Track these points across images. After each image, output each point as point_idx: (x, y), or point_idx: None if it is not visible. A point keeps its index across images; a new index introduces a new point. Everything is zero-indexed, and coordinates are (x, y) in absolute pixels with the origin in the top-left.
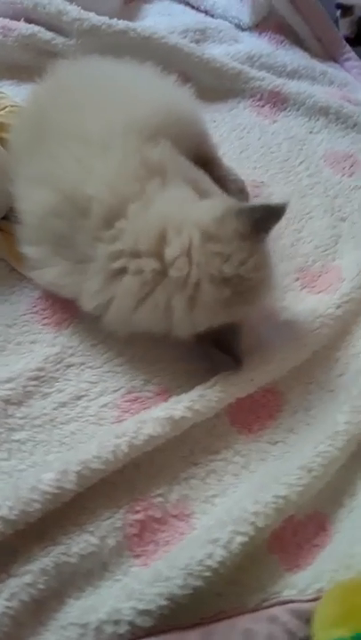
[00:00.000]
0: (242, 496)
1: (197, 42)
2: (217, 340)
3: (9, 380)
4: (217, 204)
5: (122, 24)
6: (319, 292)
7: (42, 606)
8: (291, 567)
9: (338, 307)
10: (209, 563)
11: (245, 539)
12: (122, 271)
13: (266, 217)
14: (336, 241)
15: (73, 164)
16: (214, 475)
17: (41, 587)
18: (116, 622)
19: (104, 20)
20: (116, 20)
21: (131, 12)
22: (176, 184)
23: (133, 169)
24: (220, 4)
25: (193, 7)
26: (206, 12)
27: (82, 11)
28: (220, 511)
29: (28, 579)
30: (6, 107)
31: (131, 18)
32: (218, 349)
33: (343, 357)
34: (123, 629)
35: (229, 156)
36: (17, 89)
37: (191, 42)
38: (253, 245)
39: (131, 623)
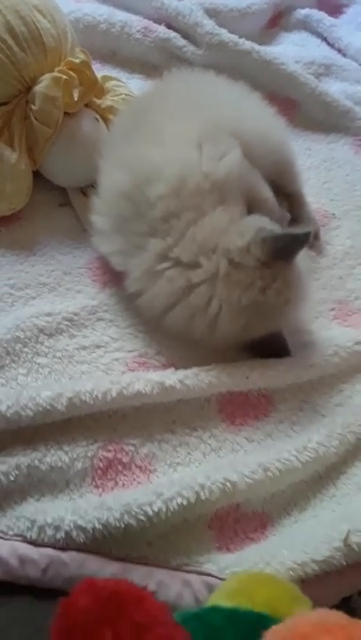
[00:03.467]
0: (200, 471)
1: (319, 75)
2: (254, 346)
3: (49, 315)
4: (247, 229)
5: (248, 44)
6: (348, 326)
7: (7, 495)
8: (221, 547)
9: (357, 343)
10: (146, 509)
11: (184, 502)
12: (160, 272)
13: (289, 245)
14: None
15: (151, 159)
16: (186, 447)
17: (11, 478)
18: (57, 528)
19: (233, 37)
20: (243, 40)
21: (270, 36)
22: (231, 203)
23: (197, 180)
24: (354, 45)
25: (329, 44)
26: (339, 51)
27: (216, 26)
28: (177, 476)
29: (3, 467)
30: (122, 94)
31: (267, 41)
32: (255, 354)
33: (347, 390)
34: (59, 536)
35: (312, 183)
36: (143, 83)
37: (313, 74)
38: (277, 272)
39: (67, 533)
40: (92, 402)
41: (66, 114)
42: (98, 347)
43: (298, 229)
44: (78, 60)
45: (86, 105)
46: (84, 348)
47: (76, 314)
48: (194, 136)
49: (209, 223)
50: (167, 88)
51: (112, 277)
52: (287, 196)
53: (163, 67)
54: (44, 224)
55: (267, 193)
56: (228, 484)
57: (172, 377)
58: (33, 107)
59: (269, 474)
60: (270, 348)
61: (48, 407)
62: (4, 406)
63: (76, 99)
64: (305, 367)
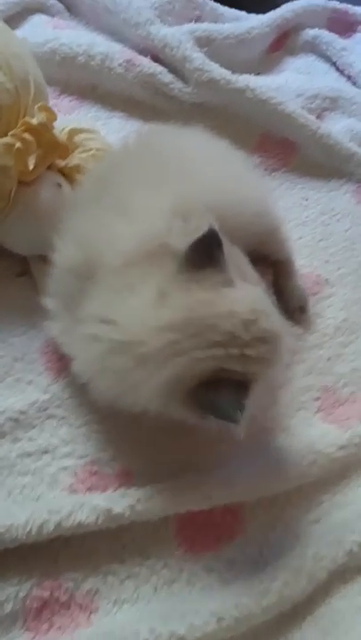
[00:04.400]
0: (145, 616)
1: (324, 110)
2: (207, 398)
3: None
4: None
5: (241, 82)
6: (332, 423)
7: None
8: None
9: (341, 448)
10: None
11: None
12: (90, 335)
13: (201, 249)
14: None
15: (104, 232)
16: (134, 579)
17: None
18: None
19: (225, 74)
20: (237, 76)
21: (271, 62)
22: None
23: (152, 249)
24: None
25: (338, 69)
26: (349, 78)
27: (206, 61)
28: (120, 620)
29: None
30: (92, 149)
31: (268, 68)
32: (210, 413)
33: (327, 504)
34: None
35: (306, 242)
36: (124, 123)
37: (317, 109)
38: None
39: None
40: (24, 537)
41: (21, 182)
42: (45, 452)
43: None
44: (37, 120)
45: (48, 167)
46: (29, 454)
47: (23, 412)
48: (163, 209)
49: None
50: (137, 152)
51: (66, 362)
52: (273, 264)
53: (147, 102)
54: None
55: (243, 267)
56: (172, 638)
57: (120, 502)
58: None
59: (223, 624)
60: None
61: None
62: None
63: (31, 166)
64: (278, 480)
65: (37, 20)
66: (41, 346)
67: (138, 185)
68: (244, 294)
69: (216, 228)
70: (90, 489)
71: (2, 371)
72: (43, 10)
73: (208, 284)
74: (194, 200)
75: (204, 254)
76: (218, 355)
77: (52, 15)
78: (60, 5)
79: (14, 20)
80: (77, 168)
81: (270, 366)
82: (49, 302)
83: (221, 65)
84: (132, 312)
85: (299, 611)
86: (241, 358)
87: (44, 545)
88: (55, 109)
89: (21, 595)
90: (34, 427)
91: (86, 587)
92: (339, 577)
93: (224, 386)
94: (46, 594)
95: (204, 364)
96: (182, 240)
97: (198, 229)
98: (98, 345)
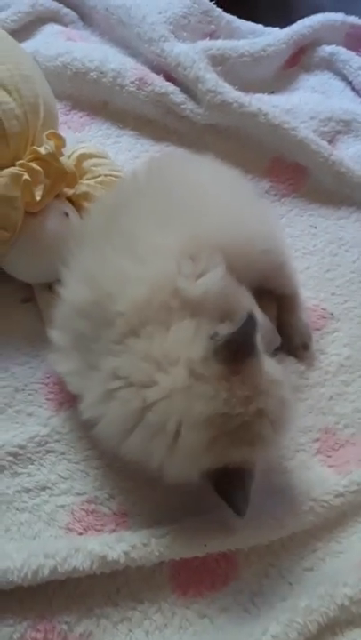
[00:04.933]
0: None
1: (338, 133)
2: (218, 483)
3: None
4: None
5: (254, 106)
6: (331, 467)
7: None
8: None
9: (338, 495)
10: None
11: None
12: (114, 394)
13: (242, 341)
14: None
15: (114, 273)
16: (127, 624)
17: None
18: None
19: (237, 97)
20: (250, 99)
21: (286, 78)
22: (204, 317)
23: (165, 298)
24: None
25: (353, 89)
26: None
27: (219, 82)
28: None
29: None
30: (100, 176)
31: (282, 85)
32: (218, 495)
33: (321, 551)
34: None
35: (312, 272)
36: (135, 142)
37: (330, 131)
38: (245, 377)
39: None
40: (19, 581)
41: (27, 212)
42: (43, 489)
43: (238, 321)
44: (45, 150)
45: (56, 196)
46: (27, 490)
47: (22, 447)
48: (172, 249)
49: (172, 336)
50: (146, 185)
51: (69, 395)
52: (277, 298)
53: (158, 121)
54: (2, 325)
55: (249, 306)
56: None
57: (115, 547)
58: None
59: None
60: (229, 492)
61: None
62: None
63: (39, 197)
64: (274, 528)
65: (50, 29)
66: (42, 376)
67: (146, 221)
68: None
69: (251, 310)
70: (86, 529)
71: (3, 402)
72: (56, 19)
73: (245, 375)
74: (202, 239)
75: (244, 346)
76: (246, 453)
77: (66, 25)
78: (73, 15)
79: (27, 29)
80: (85, 196)
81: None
82: (55, 335)
83: (235, 83)
84: (163, 392)
85: None
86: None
87: (39, 587)
88: (65, 126)
89: (16, 636)
90: (33, 462)
91: (80, 629)
92: (329, 629)
93: (235, 475)
94: (40, 635)
95: (232, 459)
96: (192, 283)
97: (207, 269)
98: (125, 406)
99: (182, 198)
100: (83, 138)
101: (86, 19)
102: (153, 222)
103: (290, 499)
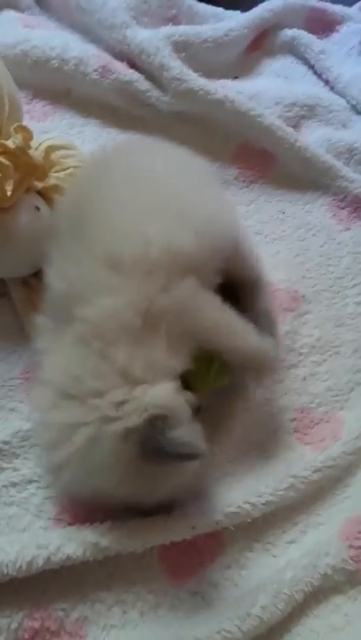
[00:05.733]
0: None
1: (302, 118)
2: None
3: None
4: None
5: (220, 94)
6: (308, 444)
7: None
8: None
9: (316, 471)
10: None
11: None
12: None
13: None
14: (352, 388)
15: (87, 278)
16: (121, 605)
17: None
18: None
19: (202, 85)
20: (215, 86)
21: (249, 63)
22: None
23: (131, 314)
24: (344, 78)
25: (316, 73)
26: (327, 82)
27: (184, 70)
28: None
29: None
30: (69, 168)
31: (247, 71)
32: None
33: (302, 523)
34: None
35: (282, 257)
36: (100, 130)
37: (295, 117)
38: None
39: None
40: (14, 573)
41: None
42: (29, 482)
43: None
44: (14, 143)
45: (26, 189)
46: (14, 485)
47: (6, 442)
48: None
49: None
50: (107, 174)
51: None
52: (240, 286)
53: (123, 109)
54: None
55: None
56: None
57: (107, 535)
58: None
59: None
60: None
61: None
62: None
63: (9, 193)
64: (257, 506)
65: (6, 16)
66: (21, 371)
67: (110, 220)
68: None
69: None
70: (75, 518)
71: None
72: (11, 5)
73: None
74: (167, 244)
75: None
76: None
77: (22, 10)
78: (29, 0)
79: None
80: (55, 188)
81: None
82: (42, 321)
83: (199, 69)
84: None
85: (276, 629)
86: None
87: (33, 577)
88: (28, 116)
89: (13, 626)
90: (17, 456)
91: (75, 615)
92: (313, 597)
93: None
94: (37, 624)
95: None
96: (165, 300)
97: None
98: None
99: (141, 196)
100: (47, 128)
101: (43, 4)
102: (117, 218)
103: (271, 477)
